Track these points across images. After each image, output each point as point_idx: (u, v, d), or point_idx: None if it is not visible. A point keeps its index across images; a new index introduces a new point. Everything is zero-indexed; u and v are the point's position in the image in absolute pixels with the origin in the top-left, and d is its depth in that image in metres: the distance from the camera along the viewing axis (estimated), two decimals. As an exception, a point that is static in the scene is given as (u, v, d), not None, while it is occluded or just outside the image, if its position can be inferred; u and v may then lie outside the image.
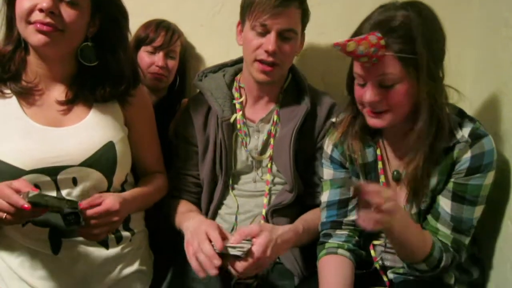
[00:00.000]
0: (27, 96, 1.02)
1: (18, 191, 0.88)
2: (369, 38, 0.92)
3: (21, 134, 1.00)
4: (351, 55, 0.94)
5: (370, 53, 0.92)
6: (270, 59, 1.16)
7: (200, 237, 1.02)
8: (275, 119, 1.26)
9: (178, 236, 1.32)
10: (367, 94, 0.98)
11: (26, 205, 0.85)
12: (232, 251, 0.99)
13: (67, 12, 0.97)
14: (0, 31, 1.05)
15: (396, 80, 0.95)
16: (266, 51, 1.15)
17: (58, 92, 1.05)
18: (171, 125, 1.46)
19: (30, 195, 0.87)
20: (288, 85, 1.28)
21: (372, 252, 1.12)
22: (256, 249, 1.01)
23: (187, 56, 1.55)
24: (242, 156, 1.26)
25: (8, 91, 1.01)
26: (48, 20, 0.95)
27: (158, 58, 1.42)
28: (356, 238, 1.12)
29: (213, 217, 1.29)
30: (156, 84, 1.45)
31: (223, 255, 1.00)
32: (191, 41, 1.56)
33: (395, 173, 1.08)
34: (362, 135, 1.07)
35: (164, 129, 1.36)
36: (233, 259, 1.01)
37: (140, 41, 1.42)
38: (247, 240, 1.02)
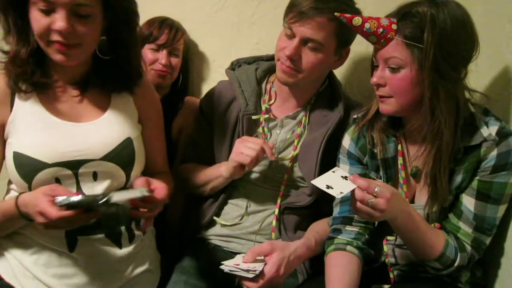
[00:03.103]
0: (46, 92, 1.04)
1: (57, 195, 0.90)
2: (380, 19, 0.96)
3: (42, 129, 1.01)
4: (358, 31, 0.97)
5: (378, 33, 0.94)
6: (288, 63, 1.16)
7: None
8: (303, 121, 1.25)
9: (181, 236, 1.33)
10: (374, 76, 0.99)
11: (55, 213, 0.87)
12: (245, 274, 1.00)
13: (81, 26, 0.96)
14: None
15: (401, 65, 0.97)
16: (285, 55, 1.15)
17: (75, 87, 1.07)
18: (174, 124, 1.46)
19: (57, 201, 0.88)
20: (323, 90, 1.27)
21: (385, 247, 1.11)
22: (269, 269, 1.02)
23: (190, 54, 1.54)
24: None
25: (28, 88, 1.02)
26: (67, 41, 0.96)
27: (162, 55, 1.41)
28: (366, 236, 1.11)
29: (219, 209, 1.28)
30: (159, 82, 1.44)
31: (235, 275, 1.01)
32: (194, 38, 1.55)
33: (414, 169, 1.07)
34: (385, 128, 1.07)
35: (166, 127, 1.36)
36: (245, 278, 1.01)
37: (144, 38, 1.41)
38: (259, 260, 1.02)
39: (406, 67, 0.97)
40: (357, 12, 1.17)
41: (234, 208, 1.28)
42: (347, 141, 1.15)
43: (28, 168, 0.99)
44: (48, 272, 1.04)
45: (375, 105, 1.09)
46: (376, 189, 0.91)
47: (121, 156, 1.06)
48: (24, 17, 0.97)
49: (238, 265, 1.01)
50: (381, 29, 0.95)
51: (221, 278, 1.17)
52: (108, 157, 1.04)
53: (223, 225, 1.28)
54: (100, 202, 0.88)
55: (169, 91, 1.52)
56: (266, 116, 1.25)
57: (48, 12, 0.94)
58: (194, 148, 1.32)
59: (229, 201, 1.28)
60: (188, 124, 1.44)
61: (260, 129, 1.25)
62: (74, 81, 1.07)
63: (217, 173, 1.21)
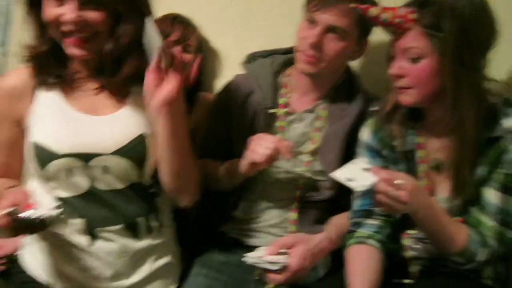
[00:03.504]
0: (67, 85, 1.06)
1: (15, 204, 0.91)
2: (397, 9, 0.94)
3: (59, 120, 1.04)
4: (375, 21, 0.96)
5: (395, 23, 0.92)
6: (310, 52, 1.15)
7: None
8: (321, 114, 1.24)
9: (201, 229, 1.33)
10: (392, 66, 0.98)
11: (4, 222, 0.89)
12: (270, 267, 0.99)
13: (92, 15, 0.96)
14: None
15: (421, 55, 0.96)
16: (308, 44, 1.14)
17: (95, 81, 1.07)
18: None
19: (7, 211, 0.90)
20: (342, 83, 1.26)
21: (405, 241, 1.11)
22: (294, 261, 1.02)
23: (202, 50, 1.54)
24: None
25: (51, 81, 1.04)
26: (80, 34, 0.97)
27: (175, 52, 1.41)
28: (388, 229, 1.10)
29: (238, 203, 1.28)
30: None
31: (257, 268, 1.02)
32: (206, 34, 1.54)
33: (435, 162, 1.07)
34: (404, 120, 1.06)
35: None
36: (270, 271, 1.01)
37: None
38: (282, 252, 1.01)
39: (426, 57, 0.95)
40: (374, 3, 1.15)
41: (253, 201, 1.27)
42: (365, 134, 1.14)
43: (43, 158, 1.02)
44: (71, 265, 1.07)
45: (393, 97, 1.07)
46: (398, 181, 0.90)
47: (133, 152, 1.05)
48: (41, 11, 0.99)
49: (261, 257, 1.01)
50: (398, 19, 0.94)
51: (241, 271, 1.19)
52: (119, 152, 1.04)
53: (242, 219, 1.28)
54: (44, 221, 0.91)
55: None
56: (284, 110, 1.24)
57: (59, 2, 0.95)
58: (212, 142, 1.32)
59: (247, 195, 1.27)
60: (202, 120, 1.44)
61: (278, 123, 1.24)
62: (93, 74, 1.07)
63: (234, 169, 1.21)
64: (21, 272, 1.12)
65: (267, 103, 1.23)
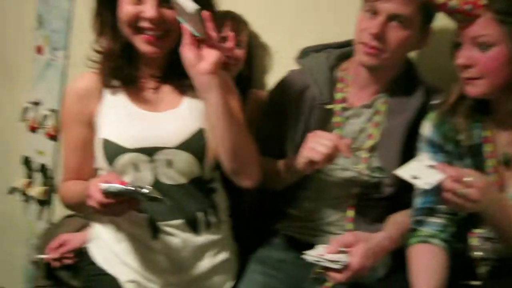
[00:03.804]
0: (132, 85, 1.11)
1: (107, 182, 0.95)
2: None
3: (125, 117, 1.09)
4: (442, 9, 0.92)
5: (464, 10, 0.87)
6: (373, 43, 1.10)
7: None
8: (381, 108, 1.20)
9: (256, 227, 1.33)
10: (459, 56, 0.92)
11: (99, 197, 0.93)
12: (331, 265, 0.98)
13: (168, 14, 1.00)
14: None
15: (491, 42, 0.90)
16: (370, 34, 1.10)
17: (155, 80, 1.12)
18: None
19: (102, 187, 0.94)
20: (401, 76, 1.21)
21: (472, 240, 1.06)
22: (355, 260, 0.99)
23: (253, 46, 1.53)
24: None
25: (118, 83, 1.10)
26: (156, 32, 1.01)
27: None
28: (453, 228, 1.05)
29: (293, 200, 1.26)
30: (225, 74, 1.45)
31: (316, 265, 1.00)
32: (256, 30, 1.53)
33: (505, 156, 1.01)
34: (470, 113, 1.01)
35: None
36: (331, 269, 1.00)
37: None
38: (342, 251, 1.00)
39: (497, 45, 0.90)
40: None
41: (308, 199, 1.26)
42: (427, 128, 1.09)
43: (111, 153, 1.07)
44: (134, 259, 1.11)
45: (457, 88, 1.02)
46: (467, 179, 0.85)
47: (194, 146, 1.09)
48: (115, 12, 1.03)
49: (322, 255, 1.00)
50: (468, 6, 0.89)
51: (297, 269, 1.18)
52: (182, 146, 1.08)
53: (297, 217, 1.27)
54: (139, 194, 0.93)
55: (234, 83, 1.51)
56: (341, 105, 1.21)
57: (138, 0, 0.99)
58: (267, 140, 1.30)
59: (303, 192, 1.26)
60: (254, 117, 1.43)
61: (335, 119, 1.21)
62: (154, 74, 1.12)
63: (290, 166, 1.19)
64: (90, 264, 1.18)
65: (323, 99, 1.20)
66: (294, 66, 1.33)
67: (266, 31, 1.54)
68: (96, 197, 0.94)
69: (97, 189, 0.94)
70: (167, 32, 1.02)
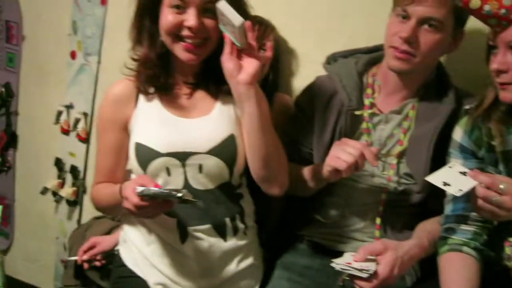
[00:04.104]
0: (166, 92, 1.14)
1: (142, 185, 0.96)
2: None
3: (158, 123, 1.12)
4: (476, 14, 0.89)
5: (500, 15, 0.85)
6: (404, 47, 1.09)
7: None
8: (410, 114, 1.18)
9: (281, 233, 1.32)
10: (493, 61, 0.90)
11: (135, 200, 0.95)
12: (359, 274, 0.97)
13: (209, 23, 1.03)
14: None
15: None
16: (401, 38, 1.08)
17: (188, 87, 1.15)
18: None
19: (138, 190, 0.95)
20: (431, 82, 1.19)
21: (506, 249, 1.02)
22: (383, 269, 0.97)
23: (280, 51, 1.53)
24: None
25: (151, 89, 1.13)
26: (195, 40, 1.04)
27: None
28: (485, 236, 1.03)
29: (319, 206, 1.25)
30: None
31: (343, 273, 0.99)
32: (284, 35, 1.53)
33: None
34: (505, 118, 0.99)
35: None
36: (358, 278, 0.98)
37: None
38: (370, 259, 0.99)
39: None
40: None
41: (335, 205, 1.25)
42: (459, 134, 1.07)
43: (145, 156, 1.09)
44: (163, 262, 1.13)
45: (491, 93, 0.99)
46: (501, 186, 0.83)
47: (225, 152, 1.10)
48: (155, 21, 1.07)
49: (349, 263, 0.98)
50: (503, 10, 0.86)
51: (323, 276, 1.17)
52: (212, 152, 1.09)
53: (324, 223, 1.26)
54: (175, 197, 0.94)
55: (259, 87, 1.52)
56: (370, 111, 1.19)
57: (179, 7, 1.03)
58: (293, 146, 1.30)
59: (330, 198, 1.25)
60: (279, 121, 1.43)
61: (363, 125, 1.20)
62: (188, 81, 1.14)
63: (316, 173, 1.18)
64: (120, 266, 1.20)
65: (352, 105, 1.19)
66: (322, 71, 1.33)
67: (294, 36, 1.54)
68: (132, 200, 0.95)
69: (133, 192, 0.95)
70: (205, 41, 1.05)
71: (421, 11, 1.06)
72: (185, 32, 1.03)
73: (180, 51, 1.06)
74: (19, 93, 2.34)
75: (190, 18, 1.02)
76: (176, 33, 1.05)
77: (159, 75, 1.11)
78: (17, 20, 2.26)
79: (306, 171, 1.21)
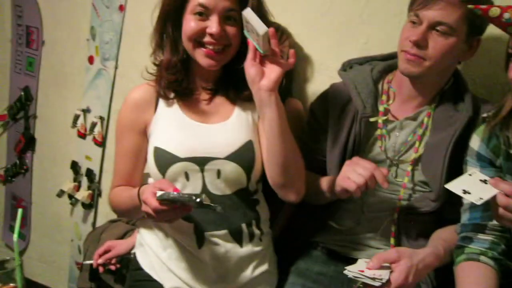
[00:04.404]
0: (185, 96, 1.15)
1: (161, 189, 0.97)
2: None
3: (178, 128, 1.13)
4: (495, 22, 0.88)
5: None
6: (413, 50, 1.09)
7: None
8: (425, 121, 1.17)
9: (295, 239, 1.32)
10: None
11: (154, 204, 0.95)
12: (371, 282, 0.96)
13: (230, 30, 1.06)
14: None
15: None
16: (410, 41, 1.08)
17: (208, 92, 1.17)
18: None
19: (158, 195, 0.95)
20: (448, 89, 1.18)
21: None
22: (397, 277, 0.97)
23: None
24: (375, 154, 1.20)
25: (171, 94, 1.15)
26: (216, 46, 1.06)
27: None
28: (503, 246, 1.01)
29: (333, 213, 1.25)
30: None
31: (356, 281, 0.98)
32: (299, 41, 1.54)
33: None
34: None
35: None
36: (371, 286, 0.98)
37: None
38: (385, 267, 0.98)
39: None
40: (490, 2, 1.07)
41: (349, 212, 1.24)
42: (476, 142, 1.06)
43: (164, 161, 1.10)
44: (180, 266, 1.14)
45: (509, 101, 0.98)
46: None
47: (243, 157, 1.11)
48: (177, 28, 1.10)
49: (362, 271, 0.98)
50: None
51: (337, 283, 1.16)
52: (231, 157, 1.10)
53: (338, 230, 1.25)
54: (193, 201, 0.94)
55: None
56: (385, 118, 1.19)
57: (202, 14, 1.05)
58: (307, 152, 1.30)
59: (344, 205, 1.24)
60: (290, 126, 1.44)
61: (377, 131, 1.20)
62: (207, 87, 1.16)
63: (329, 186, 1.17)
64: (136, 269, 1.21)
65: (367, 112, 1.19)
66: (337, 77, 1.33)
67: (310, 42, 1.55)
68: (151, 204, 0.96)
69: (152, 196, 0.96)
70: (226, 47, 1.07)
71: (432, 15, 1.06)
72: (207, 39, 1.05)
73: (201, 57, 1.07)
74: (38, 97, 2.38)
75: (213, 25, 1.04)
76: (198, 40, 1.07)
77: (181, 81, 1.12)
78: (38, 25, 2.31)
79: (323, 182, 1.21)
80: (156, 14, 1.13)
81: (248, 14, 0.98)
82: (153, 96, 1.15)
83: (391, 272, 0.97)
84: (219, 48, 1.06)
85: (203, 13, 1.04)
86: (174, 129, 1.13)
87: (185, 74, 1.13)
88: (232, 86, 1.14)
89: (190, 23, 1.06)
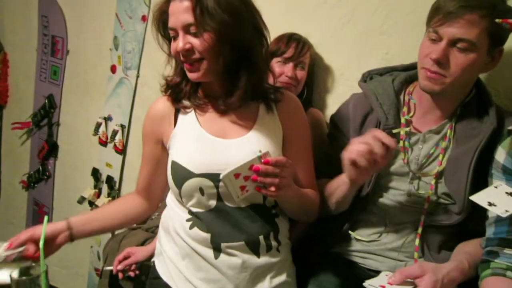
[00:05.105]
0: (201, 109, 1.16)
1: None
2: None
3: (194, 142, 1.13)
4: None
5: None
6: (434, 68, 1.07)
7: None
8: (447, 134, 1.16)
9: (316, 249, 1.31)
10: None
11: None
12: None
13: (194, 41, 1.04)
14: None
15: None
16: (431, 59, 1.07)
17: (220, 104, 1.14)
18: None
19: None
20: (471, 100, 1.16)
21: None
22: None
23: (315, 68, 1.55)
24: (398, 166, 1.19)
25: (188, 104, 1.16)
26: (188, 60, 1.06)
27: (288, 68, 1.44)
28: None
29: (354, 224, 1.24)
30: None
31: None
32: (320, 52, 1.55)
33: None
34: None
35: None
36: None
37: (272, 54, 1.45)
38: (408, 282, 0.96)
39: None
40: (510, 9, 1.06)
41: (372, 223, 1.23)
42: (502, 155, 1.04)
43: (180, 176, 1.11)
44: (197, 276, 1.14)
45: None
46: None
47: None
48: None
49: (383, 287, 0.96)
50: None
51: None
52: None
53: (359, 240, 1.24)
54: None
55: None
56: (407, 129, 1.18)
57: (175, 37, 1.07)
58: (329, 163, 1.29)
59: (366, 216, 1.23)
60: (312, 135, 1.44)
61: (400, 144, 1.18)
62: (218, 98, 1.14)
63: (340, 180, 1.15)
64: (155, 278, 1.21)
65: (389, 123, 1.18)
66: (357, 88, 1.32)
67: (330, 53, 1.55)
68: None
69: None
70: (201, 59, 1.06)
71: (452, 32, 1.04)
72: (182, 58, 1.07)
73: (188, 74, 1.10)
74: (61, 105, 2.44)
75: (178, 42, 1.05)
76: (179, 58, 1.09)
77: (189, 93, 1.14)
78: (63, 35, 2.37)
79: (335, 181, 1.19)
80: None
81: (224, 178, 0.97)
82: (172, 109, 1.17)
83: (414, 287, 0.95)
84: (192, 61, 1.07)
85: (175, 36, 1.07)
86: (191, 144, 1.13)
87: (194, 88, 1.15)
88: (242, 96, 1.11)
89: (172, 44, 1.09)
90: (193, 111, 1.16)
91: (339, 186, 1.16)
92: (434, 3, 1.10)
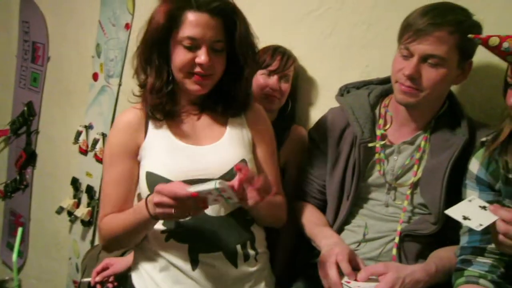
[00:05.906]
0: (173, 119, 1.16)
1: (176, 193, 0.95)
2: None
3: (169, 151, 1.13)
4: (495, 51, 0.90)
5: None
6: (408, 83, 1.11)
7: (330, 260, 1.06)
8: (422, 145, 1.19)
9: (296, 257, 1.32)
10: (511, 96, 0.91)
11: (184, 193, 0.93)
12: None
13: (216, 59, 1.10)
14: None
15: None
16: (404, 75, 1.11)
17: (194, 113, 1.18)
18: (281, 152, 1.45)
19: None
20: (443, 113, 1.20)
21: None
22: (382, 287, 0.99)
23: (299, 81, 1.57)
24: (374, 178, 1.22)
25: (161, 117, 1.15)
26: (205, 73, 1.10)
27: (272, 81, 1.46)
28: (502, 269, 1.01)
29: (339, 231, 1.26)
30: (268, 106, 1.48)
31: None
32: (304, 64, 1.57)
33: None
34: None
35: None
36: None
37: (258, 65, 1.47)
38: (373, 279, 1.01)
39: None
40: (477, 24, 1.11)
41: (351, 234, 1.24)
42: (475, 166, 1.07)
43: (155, 185, 1.05)
44: None
45: (508, 126, 0.99)
46: None
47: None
48: (163, 56, 1.12)
49: (349, 282, 1.01)
50: None
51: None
52: (225, 177, 1.09)
53: None
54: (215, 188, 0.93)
55: (276, 117, 1.54)
56: (382, 142, 1.21)
57: (191, 48, 1.09)
58: (306, 178, 1.31)
59: (346, 227, 1.25)
60: (295, 152, 1.46)
61: (376, 156, 1.21)
62: (193, 108, 1.18)
63: (321, 235, 1.21)
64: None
65: (365, 137, 1.21)
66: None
67: (314, 65, 1.57)
68: (181, 193, 0.93)
69: (181, 187, 0.94)
70: (212, 75, 1.12)
71: (423, 49, 1.08)
72: (197, 69, 1.09)
73: (190, 84, 1.11)
74: (41, 112, 2.39)
75: (202, 55, 1.07)
76: (189, 70, 1.10)
77: (165, 103, 1.13)
78: (44, 41, 2.34)
79: (317, 227, 1.25)
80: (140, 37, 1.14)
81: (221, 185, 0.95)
82: (143, 118, 1.15)
83: (377, 284, 1.00)
84: (206, 75, 1.10)
85: (192, 46, 1.08)
86: (165, 153, 1.12)
87: (170, 97, 1.14)
88: (218, 104, 1.16)
89: (180, 56, 1.09)
90: (164, 121, 1.15)
91: (315, 235, 1.22)
92: (404, 20, 1.14)
